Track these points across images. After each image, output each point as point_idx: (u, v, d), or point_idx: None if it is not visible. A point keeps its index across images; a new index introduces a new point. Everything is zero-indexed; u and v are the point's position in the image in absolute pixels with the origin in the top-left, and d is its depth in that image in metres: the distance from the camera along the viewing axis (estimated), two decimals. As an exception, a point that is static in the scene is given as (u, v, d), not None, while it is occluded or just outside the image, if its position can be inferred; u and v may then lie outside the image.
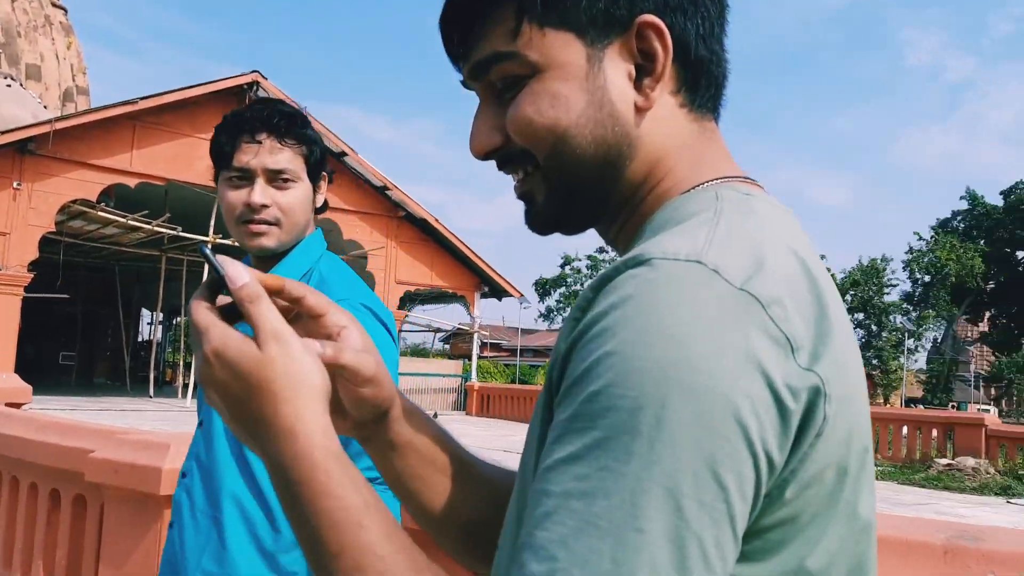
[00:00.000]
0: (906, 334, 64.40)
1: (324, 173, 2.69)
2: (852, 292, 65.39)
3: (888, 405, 54.66)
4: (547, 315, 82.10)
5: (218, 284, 0.97)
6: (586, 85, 1.01)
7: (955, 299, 65.35)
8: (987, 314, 69.93)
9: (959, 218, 69.48)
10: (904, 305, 69.65)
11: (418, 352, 51.64)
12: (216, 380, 0.93)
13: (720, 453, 0.76)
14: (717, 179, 1.04)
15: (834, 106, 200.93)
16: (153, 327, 39.21)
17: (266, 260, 2.58)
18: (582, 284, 79.63)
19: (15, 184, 24.27)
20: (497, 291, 35.83)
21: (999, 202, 66.99)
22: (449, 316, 51.95)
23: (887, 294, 69.36)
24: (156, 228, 26.25)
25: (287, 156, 2.51)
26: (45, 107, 34.51)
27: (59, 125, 24.31)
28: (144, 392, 32.50)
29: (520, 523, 0.93)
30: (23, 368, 22.12)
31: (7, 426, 5.16)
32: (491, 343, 60.21)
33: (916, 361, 72.84)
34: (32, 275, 24.75)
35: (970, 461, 19.89)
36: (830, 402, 0.84)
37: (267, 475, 2.22)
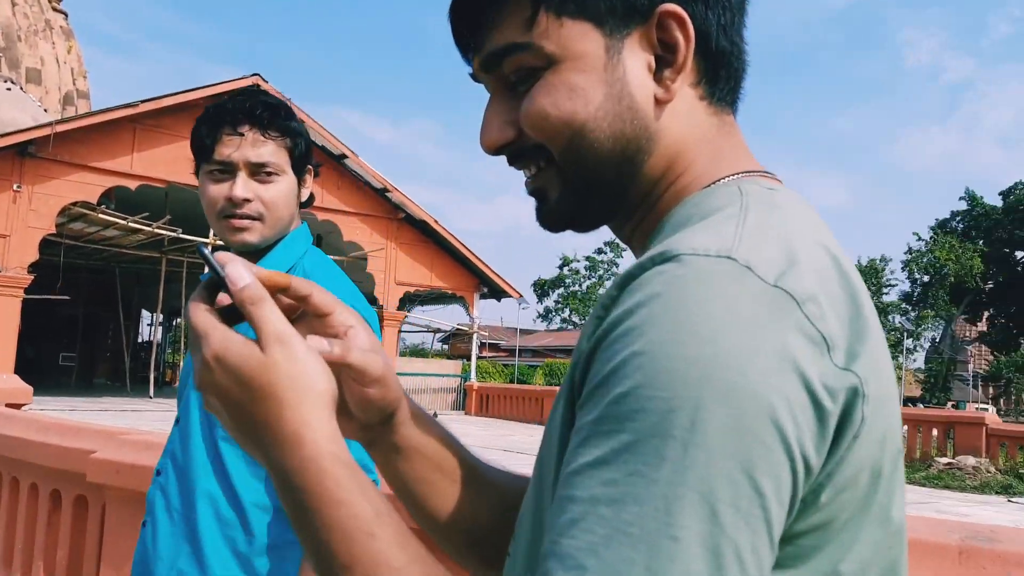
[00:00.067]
0: (905, 334, 64.17)
1: (309, 166, 2.61)
2: (851, 292, 64.50)
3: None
4: (545, 315, 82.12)
5: (217, 285, 0.94)
6: (604, 77, 0.97)
7: (954, 299, 65.17)
8: (986, 314, 69.75)
9: (958, 218, 69.28)
10: (903, 305, 69.62)
11: (417, 352, 51.59)
12: (217, 385, 0.90)
13: (757, 457, 0.73)
14: (737, 174, 1.01)
15: (833, 106, 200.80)
16: (153, 328, 39.07)
17: (248, 256, 2.41)
18: (580, 285, 79.61)
19: (15, 186, 24.23)
20: (496, 292, 35.73)
21: (998, 202, 66.80)
22: (448, 317, 51.90)
23: (886, 294, 69.28)
24: (156, 230, 26.22)
25: (270, 149, 2.43)
26: (45, 111, 34.48)
27: (60, 128, 24.25)
28: (144, 393, 32.40)
29: (537, 528, 0.93)
30: (23, 369, 22.14)
31: (8, 427, 5.14)
32: (489, 343, 60.13)
33: (915, 361, 72.77)
34: (32, 277, 24.69)
35: (971, 460, 19.82)
36: (867, 403, 0.81)
37: (242, 477, 2.30)
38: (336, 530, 0.85)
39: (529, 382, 43.13)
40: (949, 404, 54.62)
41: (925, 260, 64.77)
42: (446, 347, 56.04)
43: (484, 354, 51.83)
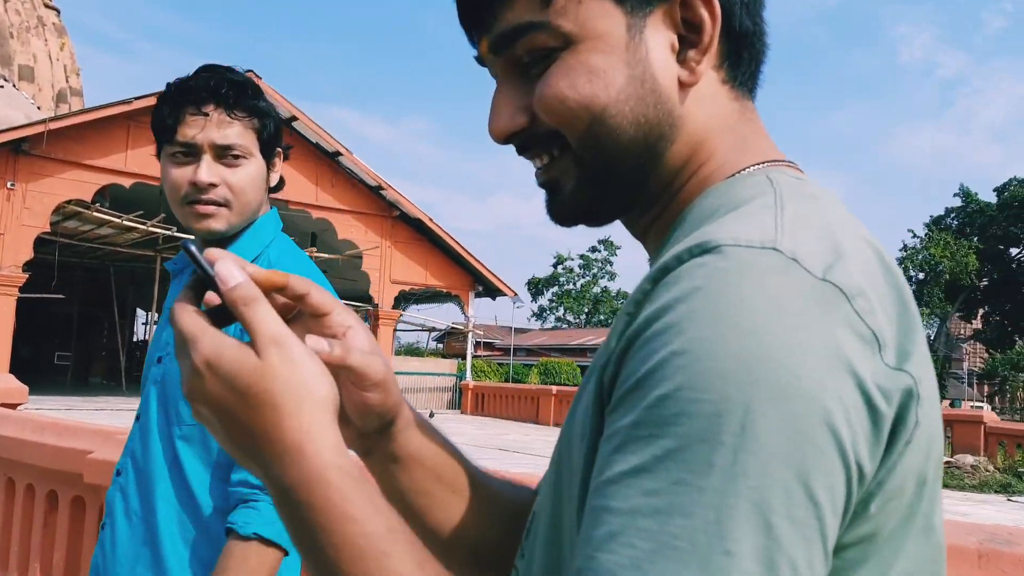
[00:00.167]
0: (900, 331, 63.88)
1: (279, 149, 2.46)
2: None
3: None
4: (540, 314, 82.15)
5: (204, 283, 0.88)
6: (626, 58, 0.91)
7: (948, 296, 65.37)
8: (980, 311, 69.97)
9: (952, 215, 69.48)
10: (898, 303, 69.03)
11: (412, 351, 51.58)
12: (208, 394, 0.84)
13: (812, 464, 0.67)
14: (763, 163, 0.95)
15: (827, 103, 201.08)
16: (148, 327, 39.14)
17: (213, 244, 2.31)
18: (574, 283, 79.71)
19: (9, 184, 24.15)
20: (491, 290, 35.75)
21: (992, 199, 67.06)
22: (443, 316, 51.97)
23: (881, 292, 69.04)
24: (151, 228, 26.14)
25: (237, 130, 2.29)
26: (38, 108, 34.44)
27: (53, 125, 24.21)
28: (139, 392, 32.06)
29: (554, 543, 0.89)
30: (19, 368, 22.05)
31: (3, 427, 5.10)
32: (484, 342, 60.17)
33: (910, 358, 72.57)
34: (27, 275, 24.64)
35: (969, 459, 19.89)
36: (921, 405, 0.76)
37: (201, 479, 2.22)
38: (346, 549, 0.79)
39: (524, 381, 43.12)
40: (945, 402, 54.91)
41: (920, 257, 64.93)
42: (440, 346, 56.10)
43: (479, 353, 51.86)
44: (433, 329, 44.66)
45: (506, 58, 0.96)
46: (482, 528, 1.13)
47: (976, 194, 68.04)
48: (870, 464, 0.72)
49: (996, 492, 17.61)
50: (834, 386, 0.69)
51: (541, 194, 1.04)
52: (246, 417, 0.83)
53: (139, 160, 25.78)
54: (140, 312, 45.85)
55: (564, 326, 79.68)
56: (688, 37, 0.93)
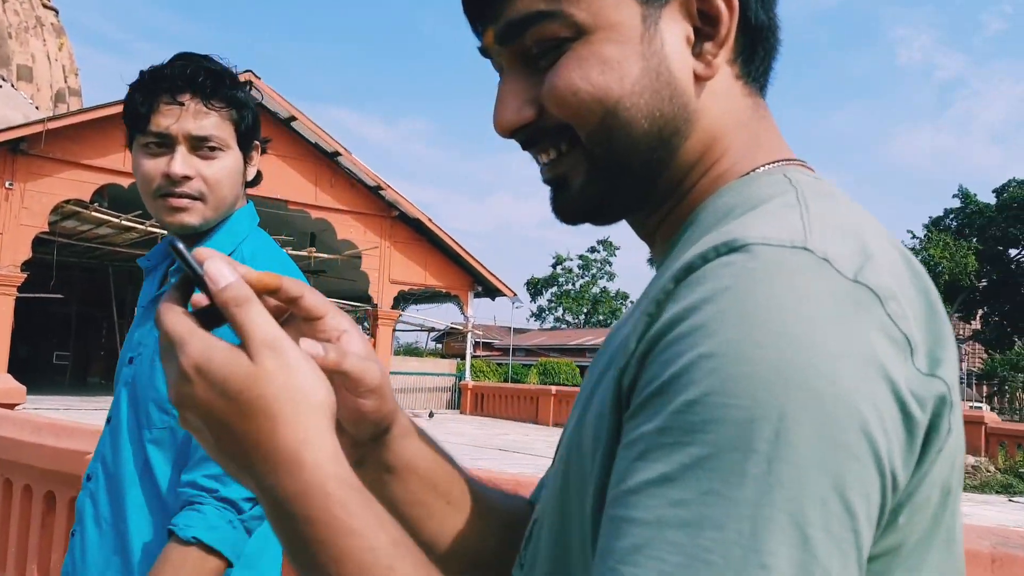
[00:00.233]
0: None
1: (257, 141, 2.37)
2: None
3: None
4: (539, 314, 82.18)
5: (191, 283, 0.84)
6: (641, 49, 0.88)
7: (948, 297, 65.36)
8: (979, 312, 69.98)
9: (952, 216, 69.48)
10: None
11: (411, 351, 51.61)
12: (198, 401, 0.79)
13: (849, 473, 0.65)
14: (777, 162, 0.93)
15: (826, 104, 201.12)
16: (147, 327, 39.04)
17: (187, 239, 2.25)
18: (573, 284, 79.74)
19: (7, 184, 24.11)
20: (490, 291, 35.74)
21: (991, 200, 67.08)
22: (442, 316, 52.03)
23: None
24: (149, 228, 26.06)
25: (214, 121, 2.20)
26: (37, 108, 34.44)
27: (52, 125, 24.15)
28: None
29: (561, 552, 0.86)
30: (17, 368, 22.03)
31: (0, 428, 5.06)
32: (483, 342, 60.18)
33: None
34: (25, 275, 24.60)
35: (970, 459, 19.87)
36: (954, 412, 0.74)
37: (174, 487, 2.13)
38: (348, 564, 0.75)
39: (523, 381, 43.15)
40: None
41: (919, 258, 64.56)
42: (440, 346, 56.10)
43: (478, 353, 51.88)
44: (432, 329, 44.66)
45: (513, 49, 0.93)
46: (478, 539, 1.09)
47: (975, 195, 68.04)
48: (903, 473, 0.70)
49: (997, 493, 17.57)
50: (870, 392, 0.66)
51: (540, 194, 1.00)
52: (238, 425, 0.78)
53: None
54: (139, 312, 45.91)
55: (563, 326, 79.70)
56: (703, 30, 0.90)
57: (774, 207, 0.80)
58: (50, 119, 24.69)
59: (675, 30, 0.89)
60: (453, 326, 39.24)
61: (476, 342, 46.58)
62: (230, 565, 2.01)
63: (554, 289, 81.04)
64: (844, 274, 0.71)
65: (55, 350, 40.82)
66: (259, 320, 0.80)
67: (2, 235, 24.18)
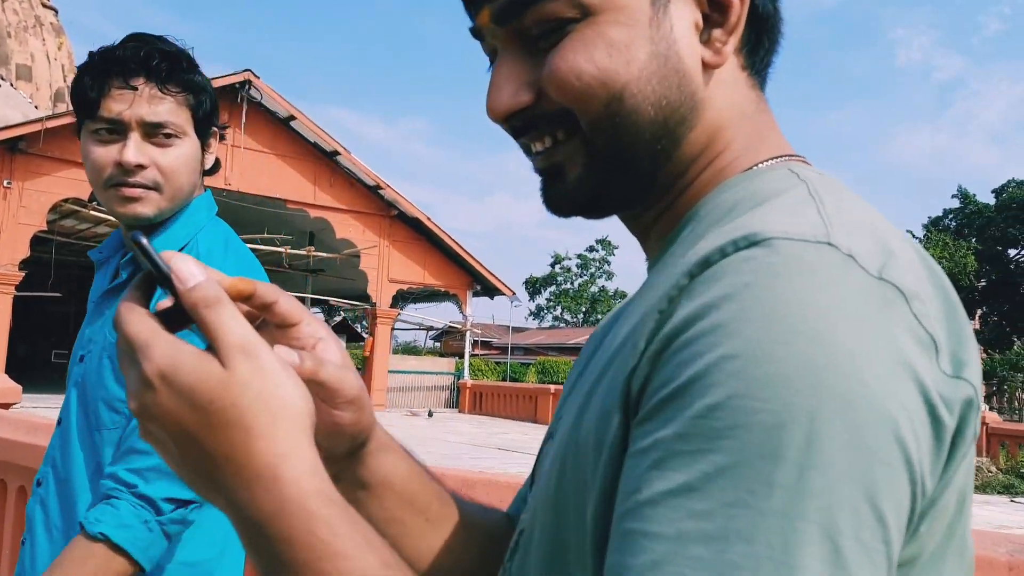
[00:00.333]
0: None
1: (215, 128, 2.24)
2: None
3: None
4: (537, 313, 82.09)
5: (154, 282, 0.77)
6: (649, 33, 0.84)
7: (947, 297, 65.30)
8: (978, 312, 69.92)
9: (951, 216, 69.46)
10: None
11: (409, 350, 51.59)
12: (162, 411, 0.71)
13: (880, 480, 0.61)
14: (779, 157, 0.90)
15: (824, 105, 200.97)
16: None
17: (140, 231, 2.10)
18: (572, 283, 79.66)
19: (6, 183, 24.09)
20: (489, 290, 35.71)
21: (991, 200, 67.05)
22: (441, 314, 52.01)
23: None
24: (148, 227, 26.10)
25: (169, 107, 2.06)
26: (36, 107, 34.46)
27: (50, 124, 24.14)
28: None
29: (556, 565, 0.82)
30: (15, 367, 22.06)
31: (-4, 428, 5.03)
32: (481, 341, 60.13)
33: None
34: (23, 274, 24.59)
35: (972, 459, 19.81)
36: (978, 416, 0.70)
37: None
38: None
39: (521, 380, 43.11)
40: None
41: (919, 258, 64.88)
42: (438, 345, 56.08)
43: (476, 352, 51.85)
44: (431, 328, 44.67)
45: (511, 29, 0.89)
46: (457, 555, 1.05)
47: (974, 195, 68.01)
48: (931, 480, 0.67)
49: (999, 493, 17.46)
50: (901, 395, 0.63)
51: (539, 194, 0.96)
52: (208, 438, 0.71)
53: (136, 159, 25.63)
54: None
55: (561, 325, 79.59)
56: (712, 16, 0.87)
57: (788, 201, 0.77)
58: (49, 118, 24.68)
59: (684, 15, 0.86)
60: (452, 325, 39.21)
61: (475, 341, 46.52)
62: (141, 570, 1.86)
63: (552, 288, 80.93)
64: (869, 271, 0.67)
65: (53, 349, 40.74)
66: (231, 323, 0.73)
67: (0, 234, 24.15)
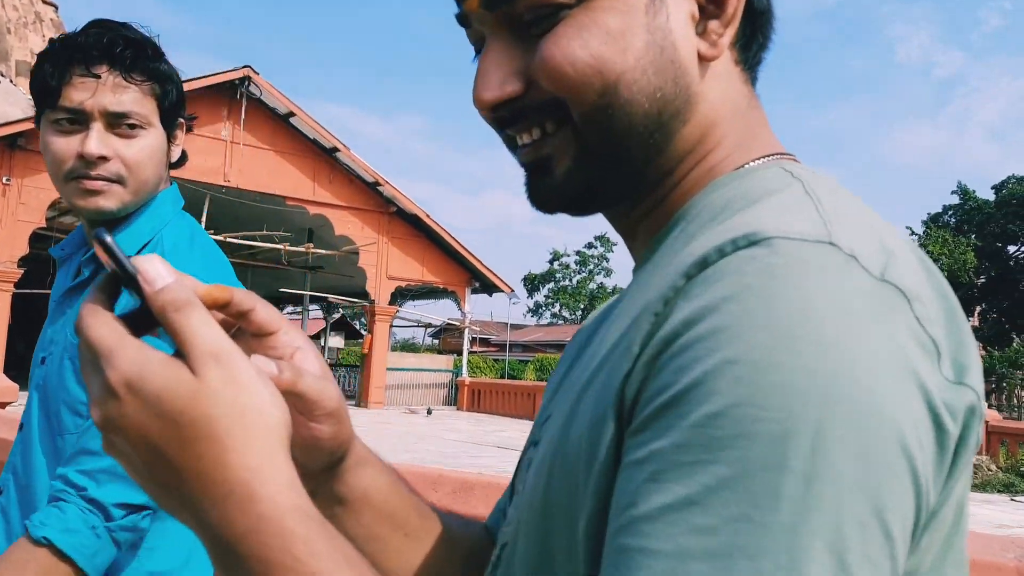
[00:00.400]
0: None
1: (181, 119, 2.14)
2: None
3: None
4: (535, 310, 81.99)
5: (118, 284, 0.72)
6: (645, 22, 0.81)
7: (946, 294, 65.22)
8: (977, 309, 69.87)
9: (950, 212, 69.32)
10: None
11: (408, 347, 51.60)
12: (128, 423, 0.67)
13: (887, 492, 0.59)
14: (772, 155, 0.87)
15: (824, 101, 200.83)
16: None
17: (103, 225, 2.00)
18: (570, 280, 79.56)
19: (5, 179, 24.08)
20: (488, 287, 35.65)
21: (990, 196, 66.92)
22: (439, 311, 51.99)
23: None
24: (147, 224, 26.09)
25: (133, 96, 1.96)
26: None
27: (49, 120, 24.09)
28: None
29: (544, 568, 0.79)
30: (14, 365, 22.03)
31: (-6, 427, 4.99)
32: (480, 338, 60.13)
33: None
34: (22, 271, 24.57)
35: (972, 458, 19.76)
36: (980, 423, 0.68)
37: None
38: None
39: (520, 377, 43.12)
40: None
41: (918, 255, 64.79)
42: (436, 342, 56.06)
43: (475, 349, 51.86)
44: (429, 325, 44.63)
45: (502, 15, 0.85)
46: (438, 570, 1.01)
47: (974, 192, 67.82)
48: (935, 491, 0.65)
49: (999, 492, 17.39)
50: (907, 403, 0.61)
51: (524, 189, 0.92)
52: (177, 451, 0.66)
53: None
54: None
55: (560, 322, 79.54)
56: (707, 8, 0.85)
57: (785, 199, 0.74)
58: (47, 114, 24.65)
59: (680, 5, 0.84)
60: (450, 322, 39.14)
61: (473, 338, 46.53)
62: None
63: (551, 285, 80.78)
64: (871, 272, 0.65)
65: (52, 346, 40.75)
66: (203, 328, 0.69)
67: (-1, 231, 24.13)
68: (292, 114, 28.64)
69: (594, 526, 0.71)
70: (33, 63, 2.04)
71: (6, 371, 15.11)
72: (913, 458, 0.61)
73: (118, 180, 1.98)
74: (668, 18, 0.83)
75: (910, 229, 69.13)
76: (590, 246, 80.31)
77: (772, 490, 0.58)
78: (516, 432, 24.43)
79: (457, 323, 37.49)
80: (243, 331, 0.83)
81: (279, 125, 28.94)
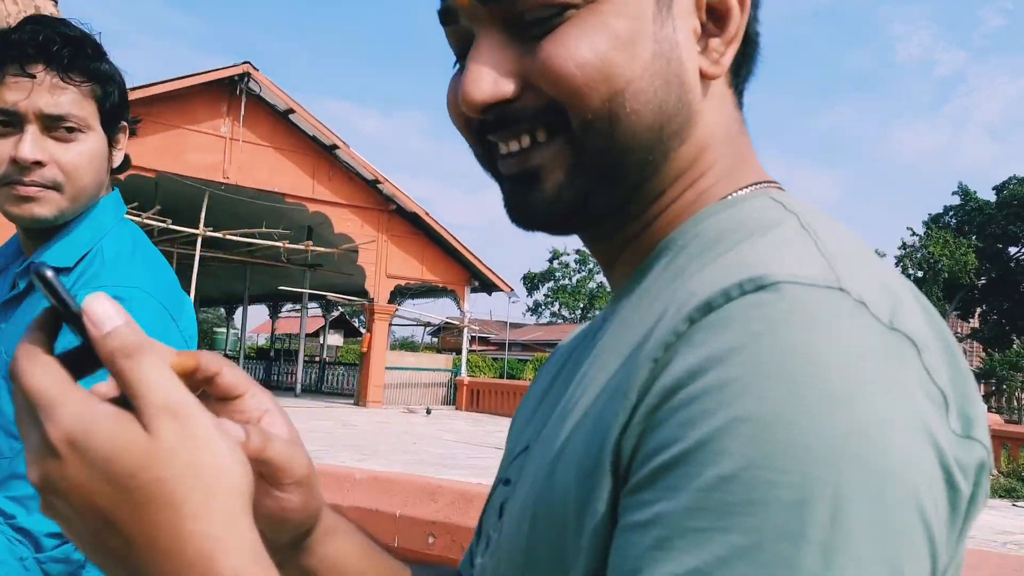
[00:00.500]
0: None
1: (124, 122, 2.01)
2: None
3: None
4: (535, 309, 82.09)
5: (59, 320, 0.64)
6: (653, 30, 0.77)
7: (946, 295, 65.41)
8: (978, 310, 69.92)
9: (951, 213, 69.40)
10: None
11: (407, 346, 51.64)
12: (70, 485, 0.58)
13: (906, 562, 0.55)
14: (760, 183, 0.83)
15: (824, 101, 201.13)
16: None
17: (39, 234, 1.93)
18: (570, 279, 79.63)
19: (2, 175, 24.01)
20: (487, 285, 35.69)
21: (991, 197, 66.98)
22: (439, 310, 52.01)
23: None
24: (146, 221, 25.93)
25: (72, 97, 1.85)
26: (33, 98, 34.34)
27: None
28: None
29: None
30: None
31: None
32: (479, 337, 60.18)
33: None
34: (19, 268, 24.45)
35: (970, 462, 19.65)
36: (988, 478, 0.63)
37: (39, 527, 1.67)
38: None
39: (519, 376, 43.14)
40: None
41: (919, 255, 64.83)
42: (435, 340, 56.08)
43: (474, 348, 51.87)
44: (428, 324, 44.62)
45: (499, 11, 0.79)
46: None
47: (975, 192, 67.96)
48: (945, 555, 0.61)
49: (1001, 497, 17.26)
50: (922, 464, 0.58)
51: (504, 201, 0.86)
52: (127, 518, 0.58)
53: (134, 152, 25.13)
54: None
55: (559, 321, 79.63)
56: (708, 26, 0.82)
57: (784, 236, 0.70)
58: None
59: (685, 20, 0.80)
60: (449, 321, 39.14)
61: (472, 337, 46.55)
62: None
63: (550, 284, 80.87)
64: (881, 319, 0.61)
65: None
66: (156, 377, 0.60)
67: (-4, 227, 24.04)
68: (291, 111, 28.65)
69: None
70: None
71: None
72: (929, 524, 0.58)
73: (54, 186, 1.86)
74: (675, 30, 0.79)
75: (911, 229, 69.17)
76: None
77: (790, 561, 0.54)
78: (515, 432, 24.38)
79: (456, 322, 37.48)
80: (207, 394, 0.73)
81: (278, 122, 28.89)
